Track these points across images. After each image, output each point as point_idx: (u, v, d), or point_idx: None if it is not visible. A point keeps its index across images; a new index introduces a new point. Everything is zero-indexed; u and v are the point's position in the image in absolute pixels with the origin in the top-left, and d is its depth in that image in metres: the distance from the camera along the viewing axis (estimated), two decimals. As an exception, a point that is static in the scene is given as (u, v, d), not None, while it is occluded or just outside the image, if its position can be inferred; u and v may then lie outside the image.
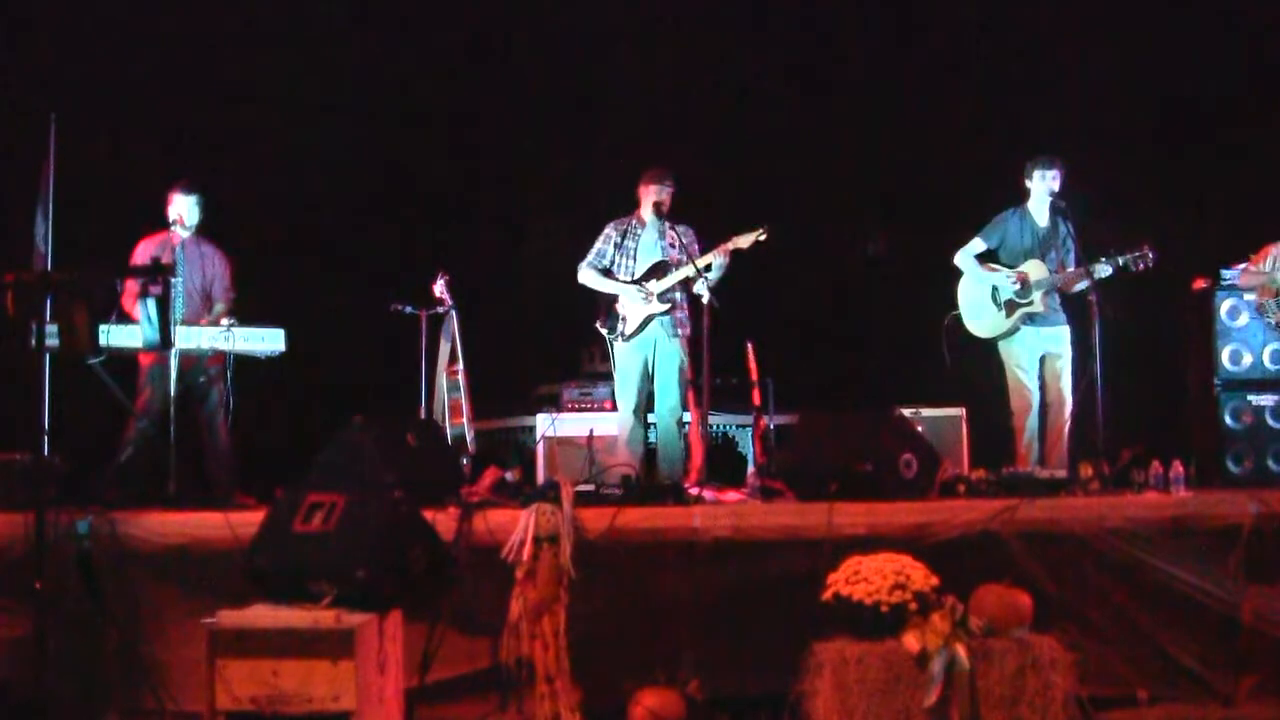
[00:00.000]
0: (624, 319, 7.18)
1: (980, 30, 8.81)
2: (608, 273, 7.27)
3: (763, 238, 6.90)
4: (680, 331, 7.18)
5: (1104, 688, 5.24)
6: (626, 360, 7.22)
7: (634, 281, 7.19)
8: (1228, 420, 6.95)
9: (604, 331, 7.25)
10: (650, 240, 7.27)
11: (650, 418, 7.34)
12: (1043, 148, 7.26)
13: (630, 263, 7.25)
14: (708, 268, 6.88)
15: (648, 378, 7.21)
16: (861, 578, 4.90)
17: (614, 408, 7.50)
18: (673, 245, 7.19)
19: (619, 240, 7.28)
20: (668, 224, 7.16)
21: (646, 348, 7.19)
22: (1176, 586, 5.42)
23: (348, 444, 5.68)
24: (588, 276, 7.28)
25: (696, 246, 7.14)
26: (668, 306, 7.13)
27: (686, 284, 7.07)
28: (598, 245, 7.32)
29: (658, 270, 7.18)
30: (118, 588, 5.31)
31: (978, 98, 8.76)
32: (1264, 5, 8.26)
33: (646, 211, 7.27)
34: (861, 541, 5.21)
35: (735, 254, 6.92)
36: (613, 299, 7.23)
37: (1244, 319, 6.99)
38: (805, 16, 8.82)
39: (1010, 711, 4.80)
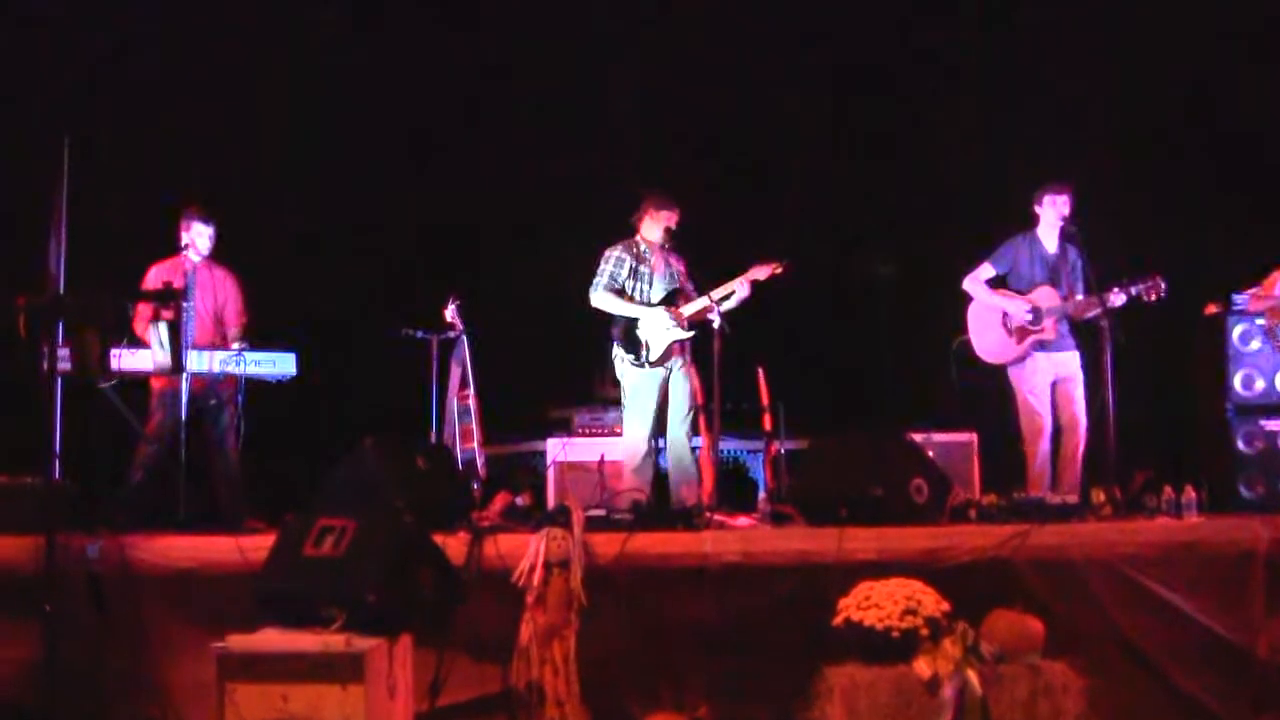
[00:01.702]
0: (647, 344, 7.06)
1: (988, 53, 8.82)
2: (620, 294, 7.15)
3: (779, 271, 6.94)
4: (689, 356, 7.17)
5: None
6: (643, 385, 7.08)
7: (658, 306, 7.11)
8: (1240, 445, 6.92)
9: (627, 357, 7.06)
10: (661, 266, 7.20)
11: (659, 443, 7.23)
12: (1052, 173, 7.24)
13: (647, 288, 7.14)
14: (729, 295, 6.91)
15: (663, 403, 7.12)
16: (873, 603, 4.88)
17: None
18: (680, 272, 7.20)
19: (634, 265, 7.14)
20: (669, 251, 7.19)
21: (664, 373, 7.10)
22: (1189, 615, 5.35)
23: (359, 468, 5.67)
24: (605, 300, 7.09)
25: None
26: (692, 333, 7.09)
27: (703, 310, 7.00)
28: (609, 269, 7.13)
29: (676, 297, 7.15)
30: (127, 611, 5.30)
31: (987, 122, 8.76)
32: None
33: (653, 237, 7.18)
34: (872, 566, 5.18)
35: (752, 284, 6.94)
36: (633, 323, 7.09)
37: (1256, 344, 6.98)
38: (814, 38, 8.83)
39: (1022, 737, 4.79)
